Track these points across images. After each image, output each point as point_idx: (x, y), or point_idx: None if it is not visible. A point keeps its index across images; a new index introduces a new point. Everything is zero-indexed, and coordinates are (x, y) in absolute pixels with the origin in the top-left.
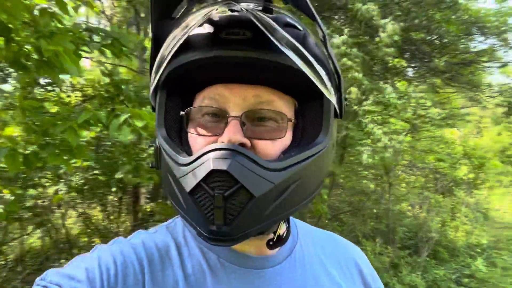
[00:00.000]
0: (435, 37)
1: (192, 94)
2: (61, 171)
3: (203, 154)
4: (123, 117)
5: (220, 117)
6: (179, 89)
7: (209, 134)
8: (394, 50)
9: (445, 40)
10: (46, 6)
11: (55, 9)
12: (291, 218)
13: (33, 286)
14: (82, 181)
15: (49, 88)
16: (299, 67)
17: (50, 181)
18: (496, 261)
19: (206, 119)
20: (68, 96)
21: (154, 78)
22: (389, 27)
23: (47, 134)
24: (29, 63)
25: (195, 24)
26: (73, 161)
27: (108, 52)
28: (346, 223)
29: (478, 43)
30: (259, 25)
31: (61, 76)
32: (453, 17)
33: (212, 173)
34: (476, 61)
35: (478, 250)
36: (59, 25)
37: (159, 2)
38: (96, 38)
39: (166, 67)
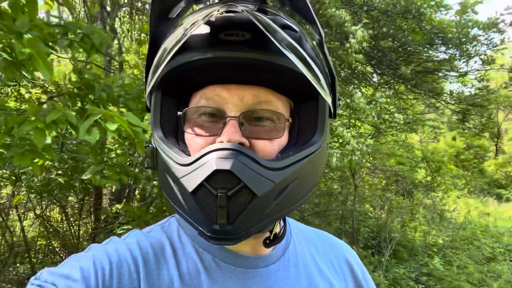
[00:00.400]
0: (401, 45)
1: (187, 94)
2: (22, 170)
3: (205, 154)
4: (94, 118)
5: (217, 117)
6: (175, 89)
7: (207, 134)
8: (362, 56)
9: (410, 49)
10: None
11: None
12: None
13: (28, 286)
14: (42, 182)
15: (9, 83)
16: (299, 68)
17: (7, 181)
18: (452, 260)
19: (203, 119)
20: (28, 93)
21: (152, 78)
22: (359, 34)
23: (10, 133)
24: None
25: (196, 24)
26: (35, 160)
27: (76, 49)
28: (312, 223)
29: (440, 53)
30: (260, 26)
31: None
32: (417, 27)
33: (216, 173)
34: (438, 70)
35: (435, 250)
36: (31, 21)
37: (159, 2)
38: (69, 35)
39: (165, 67)
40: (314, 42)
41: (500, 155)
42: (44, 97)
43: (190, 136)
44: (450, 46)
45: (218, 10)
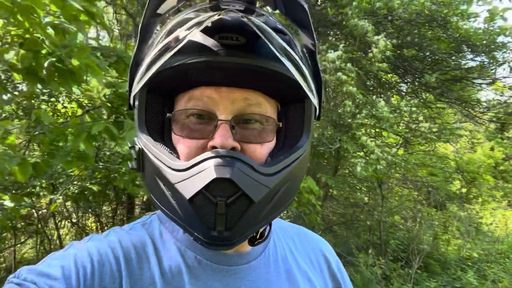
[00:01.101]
0: (427, 54)
1: (172, 94)
2: (61, 180)
3: (202, 161)
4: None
5: (207, 119)
6: (160, 89)
7: (198, 137)
8: (386, 65)
9: (436, 57)
10: (57, 22)
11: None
12: None
13: (5, 284)
14: (78, 190)
15: (45, 98)
16: (292, 74)
17: (45, 190)
18: (486, 274)
19: (191, 121)
20: (65, 107)
21: (142, 76)
22: (381, 43)
23: (54, 143)
24: (44, 73)
25: (195, 27)
26: (70, 170)
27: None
28: (340, 235)
29: (468, 60)
30: (257, 31)
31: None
32: (444, 35)
33: (215, 181)
34: (466, 78)
35: (469, 263)
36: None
37: None
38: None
39: (160, 67)
40: (301, 44)
41: None
42: (80, 111)
43: (178, 138)
44: (478, 53)
45: (219, 15)
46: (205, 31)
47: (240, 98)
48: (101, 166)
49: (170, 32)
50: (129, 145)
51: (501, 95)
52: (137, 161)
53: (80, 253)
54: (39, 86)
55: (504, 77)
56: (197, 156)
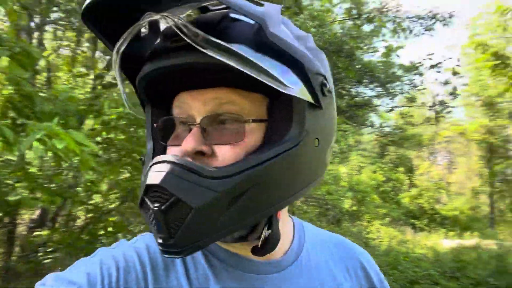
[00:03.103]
0: (336, 80)
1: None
2: None
3: (150, 167)
4: (37, 134)
5: (189, 125)
6: (159, 99)
7: (178, 143)
8: None
9: (344, 85)
10: None
11: None
12: (299, 220)
13: None
14: None
15: None
16: (227, 62)
17: None
18: None
19: (181, 128)
20: None
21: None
22: None
23: None
24: None
25: (123, 39)
26: None
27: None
28: None
29: (369, 90)
30: (181, 34)
31: None
32: (350, 66)
33: (149, 187)
34: (367, 104)
35: None
36: None
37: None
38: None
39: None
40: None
41: (412, 188)
42: None
43: (168, 146)
44: (378, 84)
45: (143, 24)
46: (159, 37)
47: (210, 98)
48: None
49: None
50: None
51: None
52: None
53: (106, 260)
54: None
55: (401, 106)
56: None
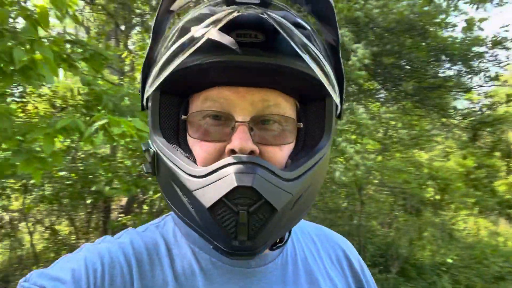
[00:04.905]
0: (405, 62)
1: (186, 95)
2: (30, 181)
3: (222, 167)
4: (101, 122)
5: (224, 121)
6: (174, 89)
7: (214, 139)
8: (365, 73)
9: (415, 65)
10: (29, 13)
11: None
12: None
13: (17, 287)
14: (52, 192)
15: (17, 99)
16: (314, 72)
17: (16, 192)
18: (460, 279)
19: (208, 122)
20: (36, 108)
21: (156, 78)
22: (360, 51)
23: (22, 141)
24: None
25: (212, 25)
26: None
27: (83, 65)
28: None
29: (445, 69)
30: (277, 27)
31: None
32: (423, 43)
33: (236, 189)
34: (443, 86)
35: (444, 269)
36: (45, 32)
37: None
38: (78, 50)
39: (171, 68)
40: (321, 39)
41: (511, 175)
42: (52, 111)
43: (194, 141)
44: (455, 62)
45: (238, 11)
46: (223, 28)
47: (258, 99)
48: (76, 167)
49: (184, 30)
50: (143, 148)
51: (477, 103)
52: (151, 164)
53: (91, 256)
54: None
55: (480, 86)
56: (214, 160)
